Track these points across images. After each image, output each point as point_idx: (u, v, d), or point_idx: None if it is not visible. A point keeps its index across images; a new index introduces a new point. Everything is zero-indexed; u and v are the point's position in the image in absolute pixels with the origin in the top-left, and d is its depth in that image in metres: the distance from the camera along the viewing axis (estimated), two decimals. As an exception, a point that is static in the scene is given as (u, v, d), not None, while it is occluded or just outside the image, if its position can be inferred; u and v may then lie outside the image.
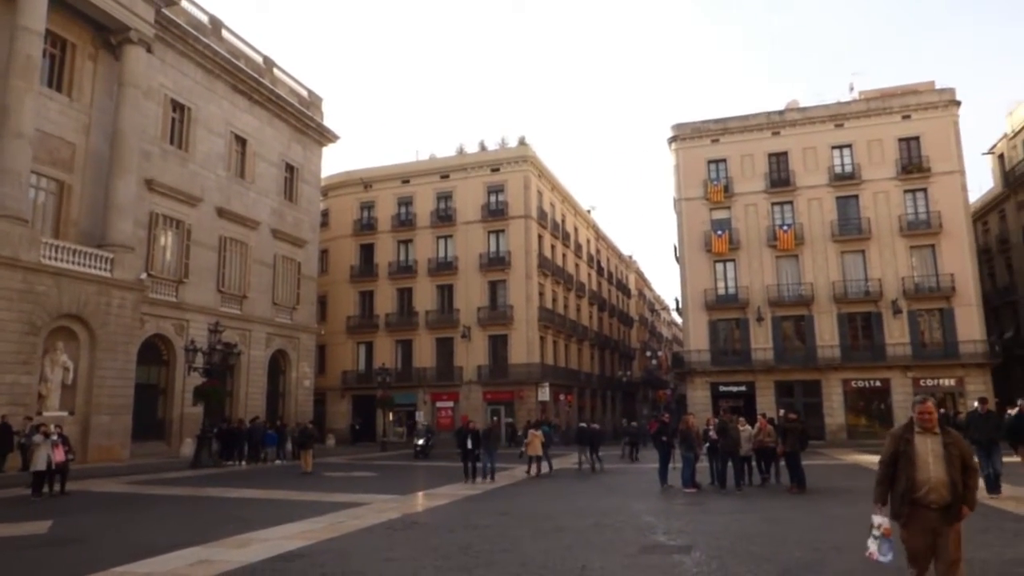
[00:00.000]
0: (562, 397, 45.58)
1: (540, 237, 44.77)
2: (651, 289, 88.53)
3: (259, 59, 35.17)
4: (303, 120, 37.82)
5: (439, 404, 42.85)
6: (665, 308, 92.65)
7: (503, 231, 43.71)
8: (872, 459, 19.32)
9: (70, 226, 24.54)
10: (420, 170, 46.61)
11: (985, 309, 36.82)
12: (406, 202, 46.24)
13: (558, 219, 49.06)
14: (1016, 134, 42.38)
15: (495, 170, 44.76)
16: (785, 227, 38.10)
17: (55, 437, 15.42)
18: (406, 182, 46.53)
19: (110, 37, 25.77)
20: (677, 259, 40.94)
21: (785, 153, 39.41)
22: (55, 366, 22.70)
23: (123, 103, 25.56)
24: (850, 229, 37.61)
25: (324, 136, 39.91)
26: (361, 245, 46.76)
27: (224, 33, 32.52)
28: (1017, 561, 7.57)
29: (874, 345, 36.31)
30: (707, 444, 16.24)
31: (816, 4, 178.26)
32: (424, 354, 43.67)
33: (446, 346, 43.54)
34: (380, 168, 47.73)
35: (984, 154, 47.53)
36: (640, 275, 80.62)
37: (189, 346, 25.29)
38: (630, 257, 75.78)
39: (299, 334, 36.52)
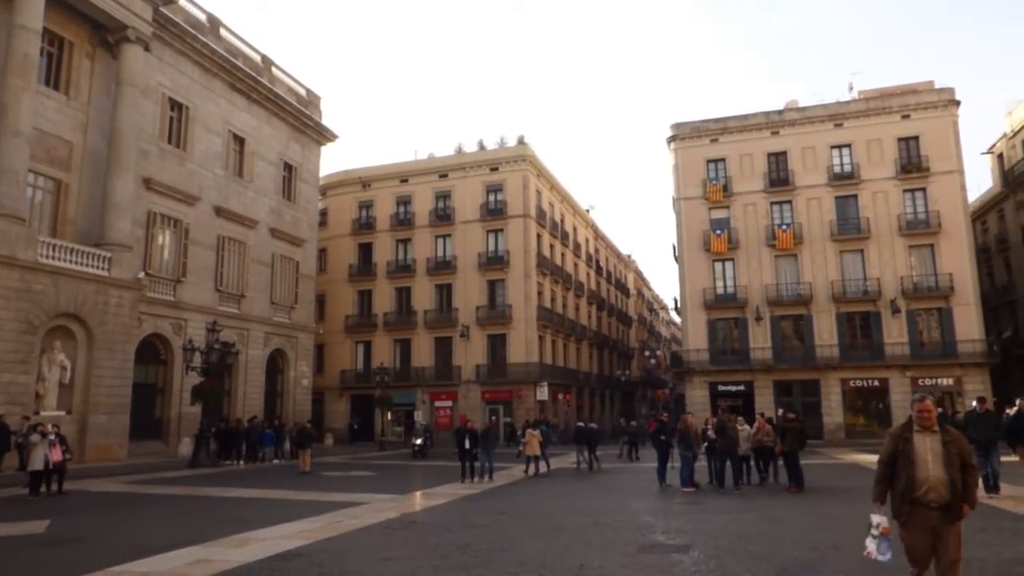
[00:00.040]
0: (561, 396, 45.57)
1: (539, 236, 44.76)
2: (650, 288, 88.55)
3: (257, 58, 35.12)
4: (301, 119, 37.78)
5: (438, 404, 42.83)
6: (664, 307, 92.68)
7: (502, 230, 43.69)
8: (870, 458, 19.33)
9: (68, 225, 24.49)
10: (419, 169, 46.58)
11: (984, 309, 36.84)
12: (405, 201, 46.20)
13: (557, 218, 49.04)
14: (1015, 134, 42.42)
15: (494, 169, 44.74)
16: (784, 227, 38.11)
17: (52, 436, 15.41)
18: (405, 181, 46.50)
19: (108, 35, 25.71)
20: (676, 258, 40.95)
21: (784, 153, 39.42)
22: (52, 365, 22.66)
23: (121, 102, 25.51)
24: (849, 229, 37.62)
25: (322, 135, 39.86)
26: (359, 244, 46.72)
27: (222, 32, 32.47)
28: (1015, 560, 7.57)
29: (872, 345, 36.33)
30: (706, 443, 16.24)
31: (816, 4, 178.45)
32: (423, 353, 43.65)
33: (445, 345, 43.52)
34: (379, 167, 47.70)
35: (983, 154, 47.62)
36: (639, 274, 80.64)
37: (187, 345, 25.24)
38: (629, 256, 75.78)
39: (297, 333, 36.48)
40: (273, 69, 36.20)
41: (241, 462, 25.44)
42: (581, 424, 24.52)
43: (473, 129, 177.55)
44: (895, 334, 36.02)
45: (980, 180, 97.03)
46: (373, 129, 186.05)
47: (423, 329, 43.85)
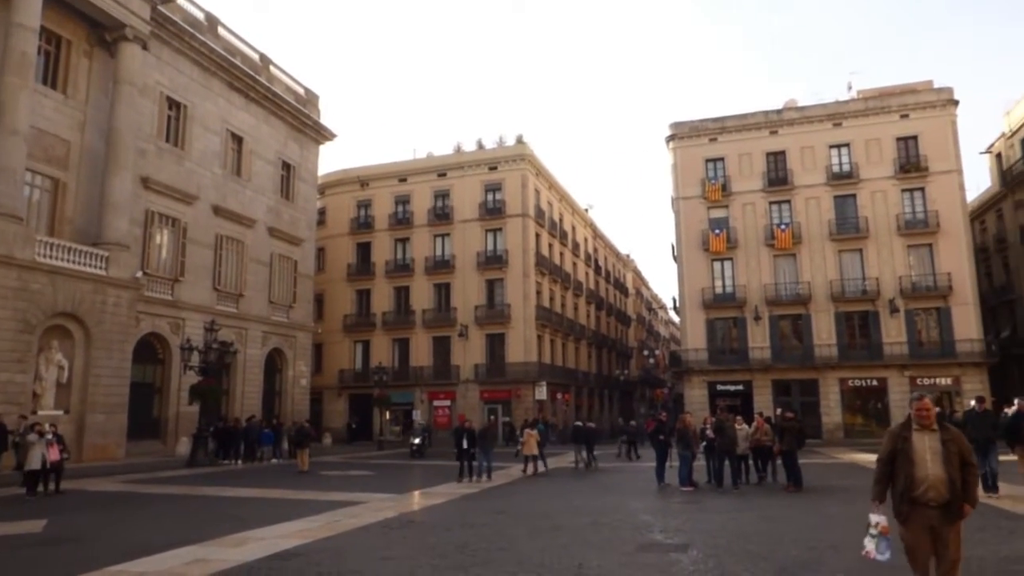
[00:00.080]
0: (559, 396, 45.57)
1: (538, 236, 44.74)
2: (649, 288, 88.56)
3: (255, 57, 35.07)
4: (300, 118, 37.73)
5: (436, 403, 42.81)
6: (663, 307, 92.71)
7: (500, 230, 43.67)
8: (869, 458, 19.35)
9: (65, 224, 24.44)
10: (417, 168, 46.55)
11: (982, 308, 36.87)
12: (403, 200, 46.16)
13: (556, 218, 49.03)
14: (1014, 133, 42.44)
15: (493, 168, 44.72)
16: (783, 226, 38.12)
17: (50, 436, 15.37)
18: (403, 180, 46.46)
19: (105, 34, 25.66)
20: (675, 258, 40.96)
21: (783, 152, 39.44)
22: (50, 364, 22.62)
23: (118, 100, 25.46)
24: (848, 228, 37.64)
25: (321, 134, 39.81)
26: (358, 243, 46.69)
27: (220, 30, 32.42)
28: (1013, 559, 7.58)
29: (871, 344, 36.35)
30: (704, 443, 16.24)
31: (816, 4, 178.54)
32: (421, 353, 43.62)
33: (443, 345, 43.50)
34: (377, 166, 47.66)
35: (982, 153, 47.64)
36: (638, 274, 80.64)
37: (185, 344, 25.18)
38: (628, 256, 75.78)
39: (295, 333, 36.45)
40: (271, 68, 36.16)
41: (239, 461, 25.39)
42: (579, 423, 24.51)
43: (472, 128, 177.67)
44: (894, 334, 36.06)
45: (979, 180, 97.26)
46: (372, 128, 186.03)
47: (421, 328, 43.82)
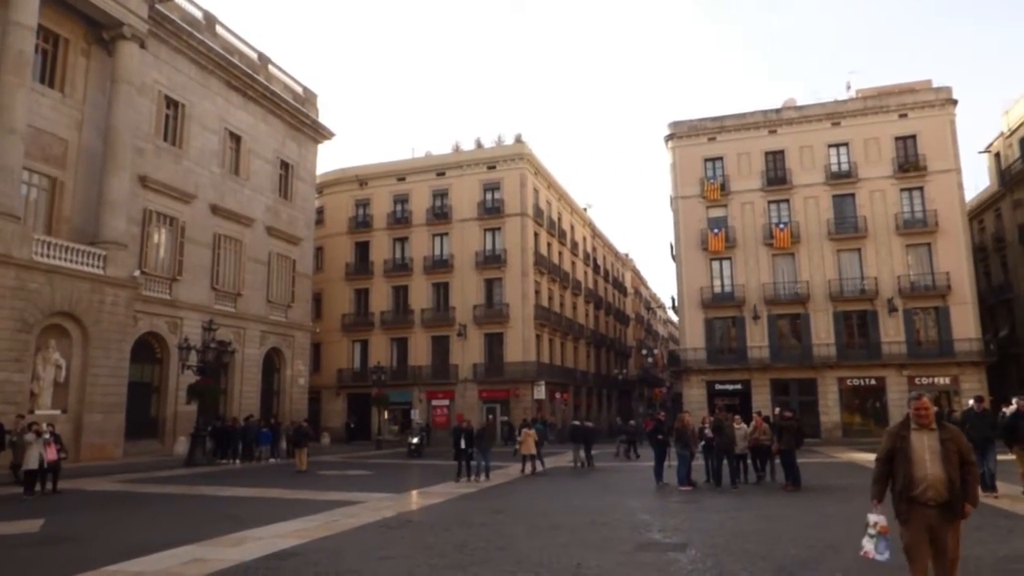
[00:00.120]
0: (558, 395, 45.55)
1: (536, 235, 44.72)
2: (647, 287, 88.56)
3: (254, 55, 35.00)
4: (298, 117, 37.67)
5: (435, 402, 42.79)
6: (661, 306, 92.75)
7: (499, 229, 43.64)
8: (867, 457, 19.36)
9: (63, 223, 24.38)
10: (416, 167, 46.51)
11: (980, 307, 36.91)
12: (402, 199, 46.12)
13: (554, 217, 49.01)
14: (1012, 133, 42.49)
15: (491, 168, 44.69)
16: (781, 225, 38.14)
17: (47, 435, 15.34)
18: (402, 179, 46.43)
19: (103, 33, 25.59)
20: (673, 257, 40.97)
21: (782, 151, 39.45)
22: (47, 364, 22.56)
23: (116, 99, 25.40)
24: (846, 227, 37.66)
25: (319, 133, 39.75)
26: (356, 243, 46.65)
27: (218, 29, 32.34)
28: (1011, 558, 7.59)
29: (870, 343, 36.37)
30: (703, 442, 16.24)
31: (816, 4, 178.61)
32: (420, 352, 43.60)
33: (442, 344, 43.48)
34: (376, 165, 47.62)
35: (980, 153, 47.72)
36: (636, 273, 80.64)
37: (183, 344, 25.14)
38: (626, 255, 75.78)
39: (294, 332, 36.40)
40: (270, 67, 36.08)
41: (237, 461, 25.35)
42: (576, 423, 24.50)
43: (471, 127, 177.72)
44: (892, 333, 36.09)
45: (977, 179, 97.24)
46: (370, 127, 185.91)
47: (420, 328, 43.79)
